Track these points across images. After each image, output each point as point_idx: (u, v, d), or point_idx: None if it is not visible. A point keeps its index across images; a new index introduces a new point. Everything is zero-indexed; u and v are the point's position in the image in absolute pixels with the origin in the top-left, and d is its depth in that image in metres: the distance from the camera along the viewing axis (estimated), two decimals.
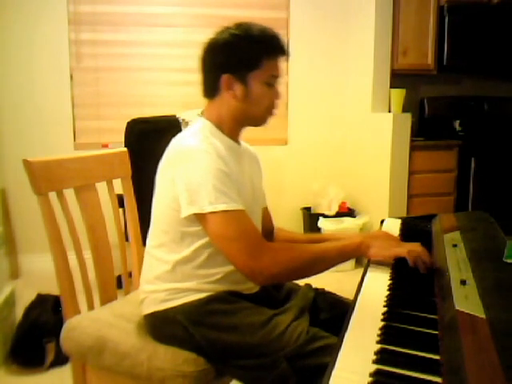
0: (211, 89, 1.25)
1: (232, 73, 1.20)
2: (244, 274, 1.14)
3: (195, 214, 1.13)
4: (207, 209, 1.10)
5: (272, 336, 1.11)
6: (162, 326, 1.23)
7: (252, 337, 1.12)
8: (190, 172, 1.12)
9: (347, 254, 1.21)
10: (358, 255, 1.21)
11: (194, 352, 1.18)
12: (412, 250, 1.17)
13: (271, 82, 1.23)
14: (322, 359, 1.03)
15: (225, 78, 1.20)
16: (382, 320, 0.88)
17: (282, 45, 1.24)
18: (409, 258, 1.15)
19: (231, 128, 1.26)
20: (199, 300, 1.20)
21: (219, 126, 1.25)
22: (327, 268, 1.19)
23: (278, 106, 1.27)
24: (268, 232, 1.48)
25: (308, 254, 1.17)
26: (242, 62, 1.20)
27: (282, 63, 1.26)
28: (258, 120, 1.27)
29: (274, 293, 1.34)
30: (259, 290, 1.30)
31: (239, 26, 1.22)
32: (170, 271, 1.22)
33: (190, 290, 1.21)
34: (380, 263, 1.20)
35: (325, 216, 3.43)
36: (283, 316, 1.16)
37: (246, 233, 1.12)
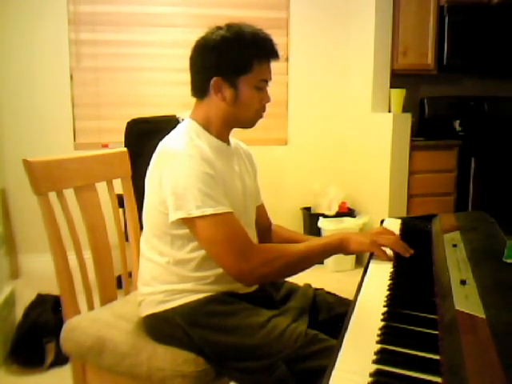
0: (200, 90, 1.24)
1: (222, 76, 1.19)
2: (233, 276, 1.14)
3: (182, 219, 1.13)
4: (194, 213, 1.10)
5: (270, 337, 1.11)
6: (161, 328, 1.23)
7: (250, 338, 1.12)
8: (175, 176, 1.12)
9: (330, 251, 1.25)
10: (340, 252, 1.24)
11: (194, 353, 1.18)
12: (388, 237, 1.24)
13: (261, 86, 1.23)
14: (320, 362, 1.03)
15: (214, 80, 1.19)
16: (382, 320, 0.88)
17: (274, 48, 1.23)
18: (388, 245, 1.21)
19: (219, 129, 1.26)
20: (197, 301, 1.20)
21: (206, 126, 1.25)
22: (312, 265, 1.23)
23: (266, 108, 1.27)
24: (265, 229, 1.47)
25: (295, 253, 1.19)
26: (233, 66, 1.19)
27: (273, 66, 1.25)
28: (247, 123, 1.27)
29: (273, 293, 1.33)
30: (257, 290, 1.30)
31: (230, 27, 1.21)
32: (165, 273, 1.22)
33: (187, 291, 1.21)
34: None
35: (325, 216, 3.43)
36: (282, 317, 1.16)
37: (234, 235, 1.13)
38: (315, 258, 1.23)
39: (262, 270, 1.13)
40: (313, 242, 1.28)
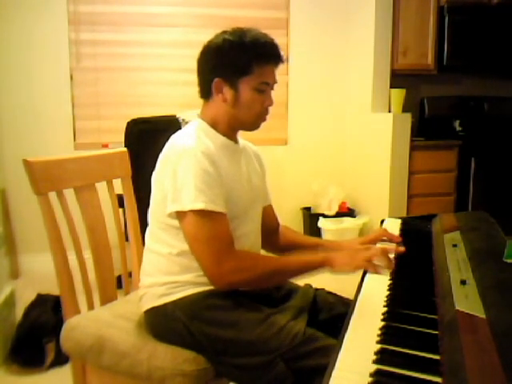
0: (205, 91, 1.28)
1: (223, 77, 1.23)
2: (206, 276, 1.17)
3: (177, 212, 1.16)
4: (187, 207, 1.13)
5: (269, 334, 1.11)
6: (162, 322, 1.23)
7: (249, 333, 1.13)
8: (176, 171, 1.16)
9: (309, 269, 1.23)
10: (322, 270, 1.23)
11: (193, 348, 1.18)
12: (370, 256, 1.18)
13: (262, 89, 1.24)
14: (318, 360, 1.03)
15: (216, 81, 1.23)
16: (382, 320, 0.88)
17: (276, 52, 1.24)
18: (369, 270, 1.17)
19: (225, 129, 1.28)
20: (197, 294, 1.21)
21: (214, 125, 1.28)
22: (286, 280, 1.30)
23: (269, 112, 1.28)
24: (272, 229, 1.49)
25: (269, 267, 1.22)
26: (232, 67, 1.22)
27: (276, 70, 1.26)
28: (249, 125, 1.29)
29: (273, 291, 1.34)
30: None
31: (235, 30, 1.24)
32: (167, 264, 1.24)
33: (189, 283, 1.21)
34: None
35: (325, 216, 3.43)
36: (280, 315, 1.17)
37: (215, 236, 1.15)
38: (291, 274, 1.25)
39: (232, 278, 1.16)
40: (294, 257, 1.29)
